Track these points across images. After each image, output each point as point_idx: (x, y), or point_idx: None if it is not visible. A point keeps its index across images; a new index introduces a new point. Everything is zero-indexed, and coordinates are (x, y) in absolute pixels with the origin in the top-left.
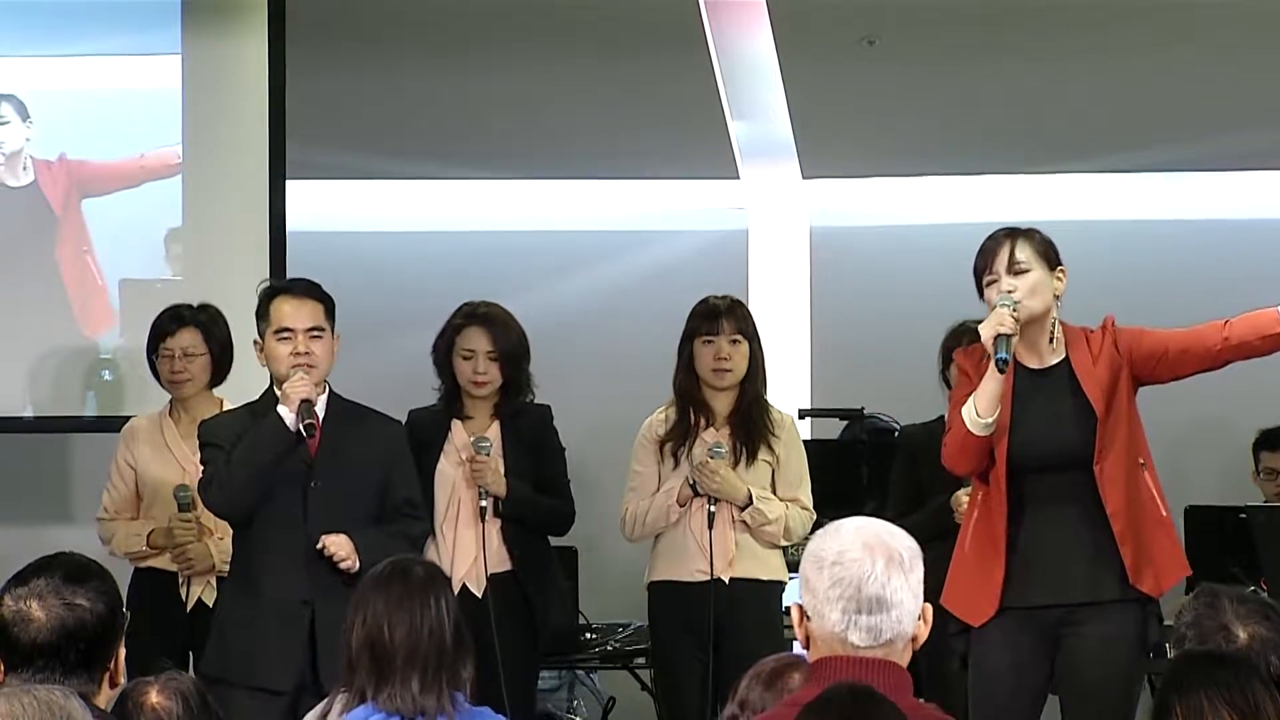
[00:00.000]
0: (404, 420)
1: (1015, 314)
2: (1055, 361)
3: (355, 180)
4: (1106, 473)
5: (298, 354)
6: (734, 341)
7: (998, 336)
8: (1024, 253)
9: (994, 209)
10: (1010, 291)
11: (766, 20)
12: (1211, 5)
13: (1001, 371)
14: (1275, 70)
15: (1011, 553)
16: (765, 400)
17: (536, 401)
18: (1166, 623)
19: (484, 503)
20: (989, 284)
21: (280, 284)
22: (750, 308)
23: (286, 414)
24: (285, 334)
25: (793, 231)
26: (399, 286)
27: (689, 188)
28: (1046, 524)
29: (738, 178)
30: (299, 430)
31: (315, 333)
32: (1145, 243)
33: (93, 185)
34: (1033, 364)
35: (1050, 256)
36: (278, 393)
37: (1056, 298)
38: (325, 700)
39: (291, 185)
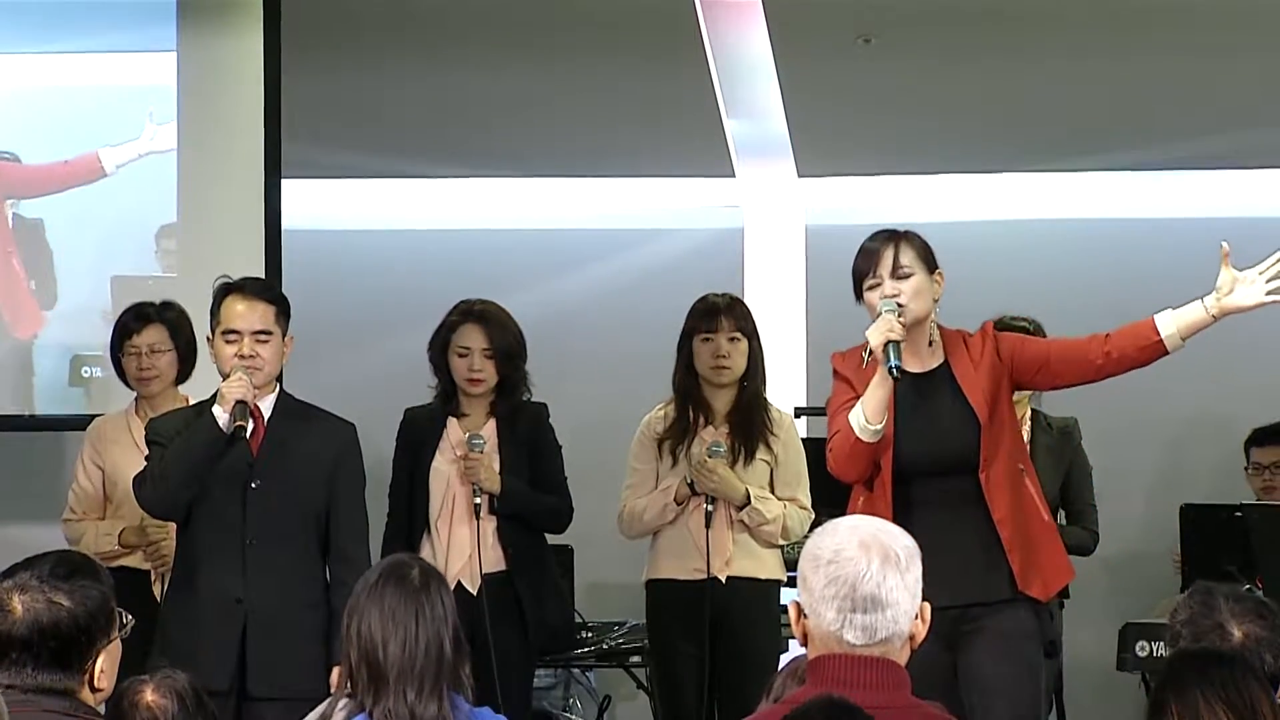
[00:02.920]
0: (401, 417)
1: (901, 319)
2: (935, 365)
3: (353, 179)
4: (992, 479)
5: (242, 356)
6: (733, 339)
7: (887, 343)
8: (907, 256)
9: (990, 207)
10: (894, 295)
11: (762, 19)
12: (1209, 5)
13: (895, 379)
14: (1272, 69)
15: None
16: (765, 399)
17: (533, 400)
18: (1145, 621)
19: (478, 500)
20: (870, 288)
21: (233, 283)
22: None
23: (220, 414)
24: (232, 335)
25: (788, 230)
26: (397, 285)
27: (685, 186)
28: (935, 528)
29: (733, 176)
30: (232, 431)
31: (262, 336)
32: (1142, 240)
33: (18, 188)
34: (914, 368)
35: (930, 260)
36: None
37: (935, 301)
38: (328, 701)
39: (288, 184)
